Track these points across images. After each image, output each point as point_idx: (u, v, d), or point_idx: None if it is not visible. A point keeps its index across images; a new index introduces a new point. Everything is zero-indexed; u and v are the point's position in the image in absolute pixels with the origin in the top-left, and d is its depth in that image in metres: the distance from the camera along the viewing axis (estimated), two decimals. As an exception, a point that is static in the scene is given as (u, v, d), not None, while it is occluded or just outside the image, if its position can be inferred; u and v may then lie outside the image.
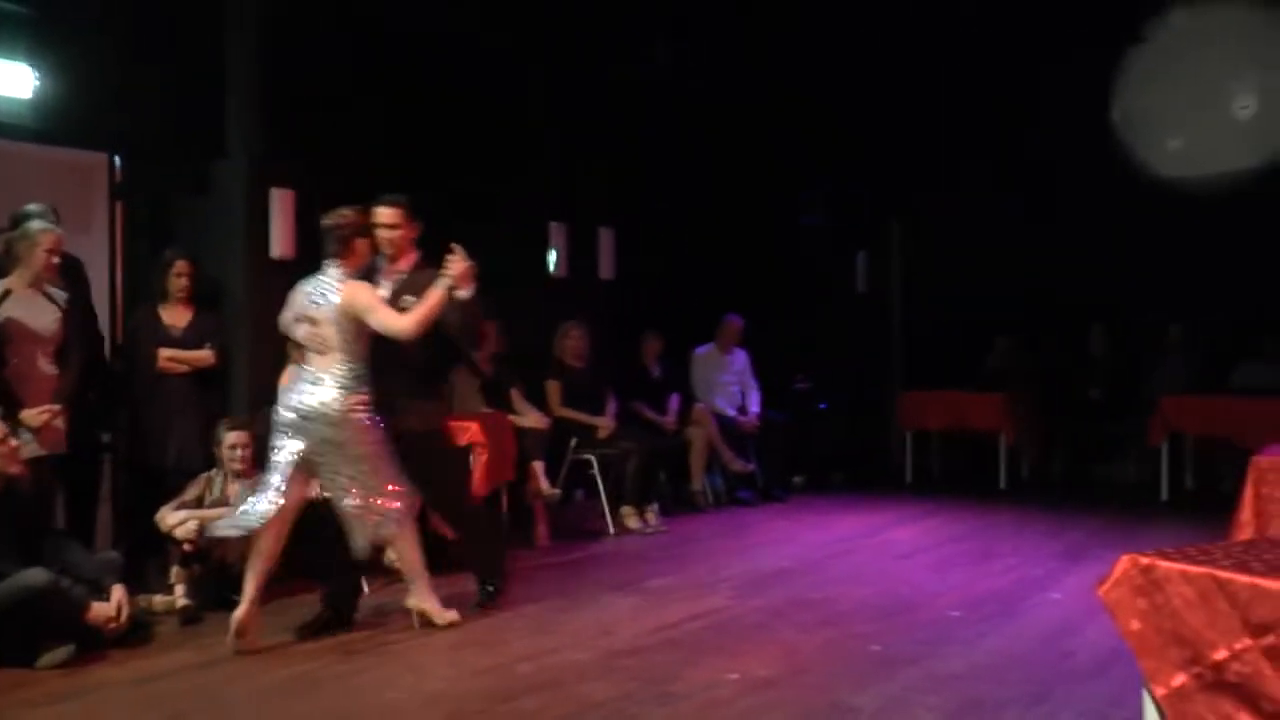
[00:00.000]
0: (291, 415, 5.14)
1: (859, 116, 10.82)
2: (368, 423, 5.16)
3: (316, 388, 5.12)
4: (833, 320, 11.19)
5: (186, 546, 5.71)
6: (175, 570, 5.73)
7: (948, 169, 10.95)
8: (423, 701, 4.32)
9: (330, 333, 5.15)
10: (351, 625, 5.39)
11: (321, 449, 5.13)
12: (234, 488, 6.03)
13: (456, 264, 5.27)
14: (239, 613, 5.01)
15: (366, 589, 6.11)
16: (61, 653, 4.77)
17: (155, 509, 5.91)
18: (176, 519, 5.79)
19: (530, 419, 7.67)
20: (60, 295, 5.68)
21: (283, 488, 5.12)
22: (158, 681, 4.54)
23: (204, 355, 6.54)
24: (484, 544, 5.90)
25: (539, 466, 7.50)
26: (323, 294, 5.20)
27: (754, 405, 9.53)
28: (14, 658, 4.66)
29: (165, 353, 6.43)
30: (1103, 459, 10.75)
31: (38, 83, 6.54)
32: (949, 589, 6.19)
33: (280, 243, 7.17)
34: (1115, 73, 10.02)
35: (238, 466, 6.06)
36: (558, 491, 7.72)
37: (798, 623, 5.45)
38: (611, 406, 8.42)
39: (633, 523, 8.06)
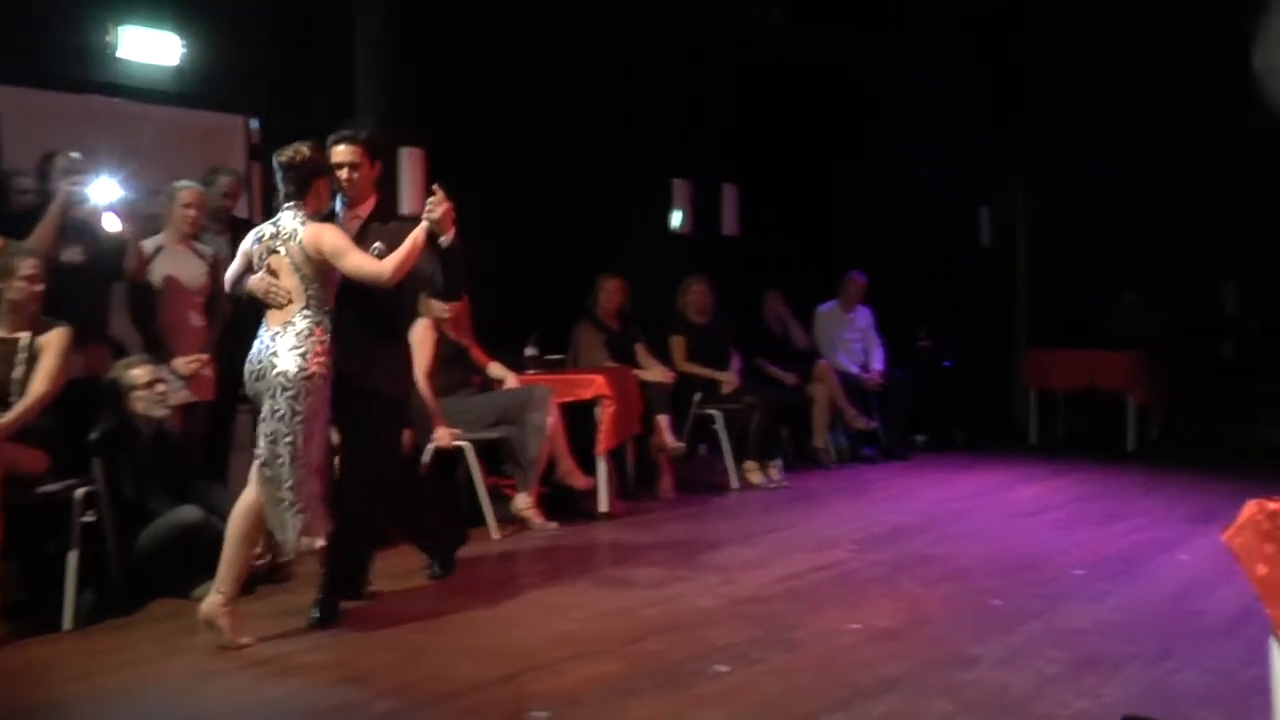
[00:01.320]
0: (248, 379, 4.63)
1: (982, 67, 10.64)
2: (322, 383, 4.56)
3: (274, 343, 4.55)
4: (956, 276, 11.06)
5: (319, 491, 5.94)
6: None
7: (1073, 118, 10.69)
8: (550, 640, 4.47)
9: (292, 283, 4.59)
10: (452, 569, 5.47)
11: (265, 409, 4.56)
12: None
13: (438, 206, 4.77)
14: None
15: (497, 535, 6.35)
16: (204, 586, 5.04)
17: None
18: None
19: (655, 373, 7.78)
20: (208, 250, 5.94)
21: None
22: (298, 615, 4.77)
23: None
24: (425, 523, 5.48)
25: (664, 420, 7.61)
26: (283, 241, 4.63)
27: (877, 362, 9.52)
28: (171, 589, 4.96)
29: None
30: (1236, 420, 10.47)
31: (183, 50, 6.81)
32: (1072, 548, 6.15)
33: (410, 201, 7.36)
34: (1257, 20, 9.68)
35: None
36: (682, 445, 7.84)
37: (919, 576, 5.49)
38: (735, 362, 8.49)
39: (755, 478, 8.15)
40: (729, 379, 8.31)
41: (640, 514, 7.09)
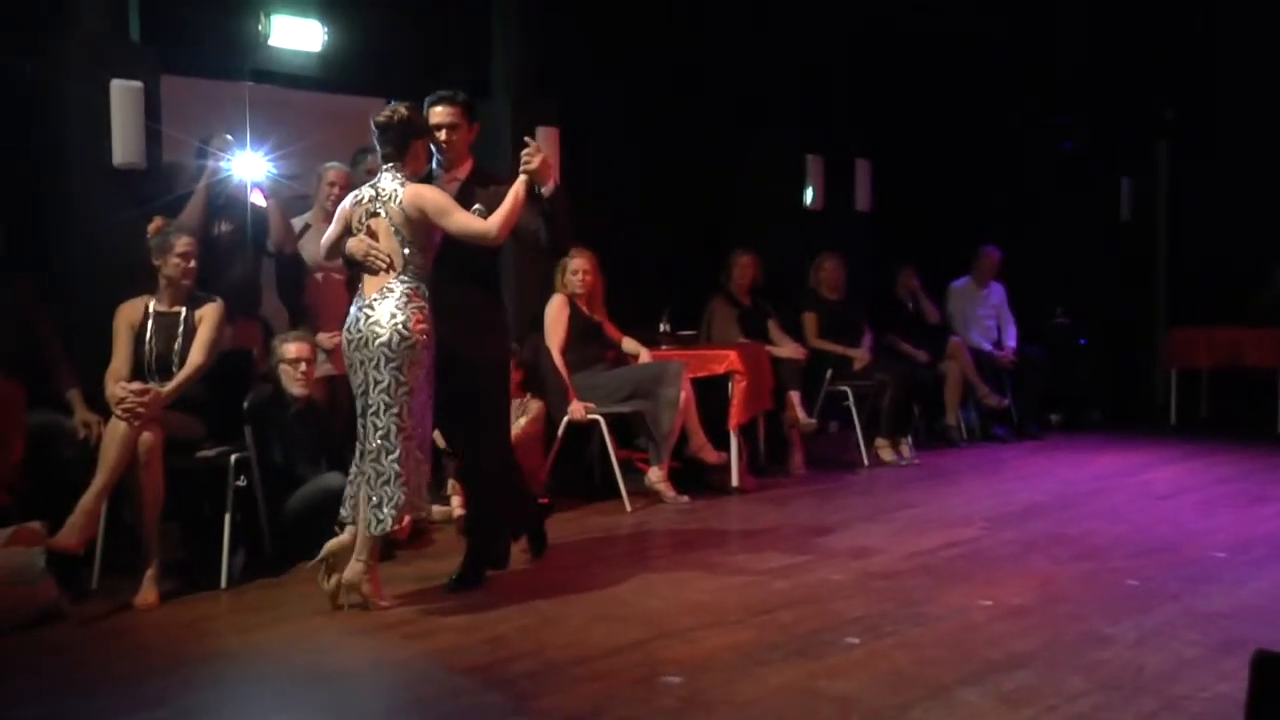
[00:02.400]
0: (346, 348, 4.58)
1: (1120, 34, 10.35)
2: (424, 352, 4.49)
3: (373, 310, 4.47)
4: (1095, 251, 10.81)
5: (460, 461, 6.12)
6: (451, 483, 6.15)
7: (1218, 86, 10.35)
8: (681, 609, 4.55)
9: (391, 245, 4.51)
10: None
11: (365, 380, 4.49)
12: (505, 409, 6.41)
13: (535, 156, 4.62)
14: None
15: (629, 508, 6.45)
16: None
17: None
18: (452, 435, 6.20)
19: (787, 349, 7.80)
20: (353, 228, 6.13)
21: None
22: (438, 579, 4.93)
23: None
24: (500, 518, 5.04)
25: (796, 396, 7.64)
26: (382, 202, 4.55)
27: (1010, 340, 9.38)
28: (317, 552, 5.15)
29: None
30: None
31: (326, 37, 7.02)
32: (1214, 530, 6.00)
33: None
34: None
35: (507, 390, 6.44)
36: (814, 422, 7.85)
37: (1052, 556, 5.42)
38: (867, 339, 8.45)
39: (887, 455, 8.12)
40: (861, 355, 8.28)
41: (771, 490, 7.14)
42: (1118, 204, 11.29)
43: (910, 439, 8.31)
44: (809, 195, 9.36)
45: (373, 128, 4.63)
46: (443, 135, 4.75)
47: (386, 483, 4.44)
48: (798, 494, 7.06)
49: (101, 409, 5.05)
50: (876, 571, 5.13)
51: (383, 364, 4.42)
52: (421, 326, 4.46)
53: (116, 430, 4.78)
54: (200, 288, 5.25)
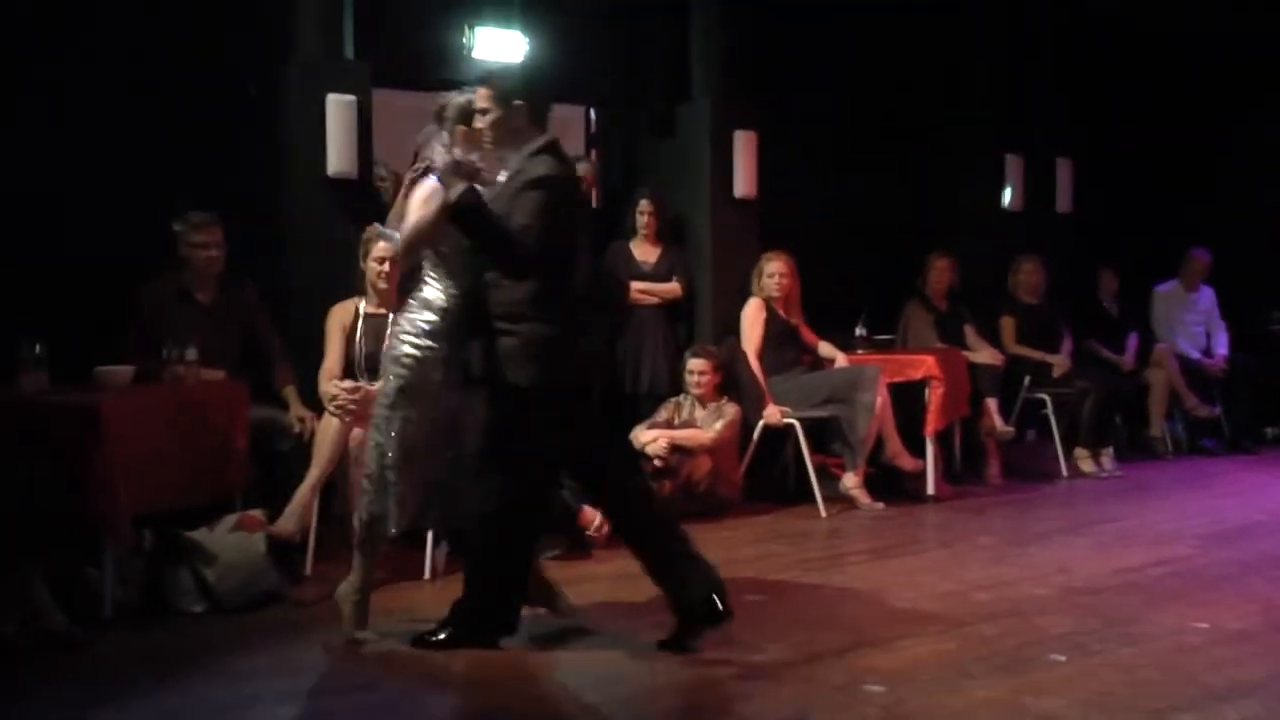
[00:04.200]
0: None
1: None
2: (426, 368, 4.08)
3: (401, 319, 4.18)
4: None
5: (657, 462, 6.19)
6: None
7: None
8: (882, 618, 4.50)
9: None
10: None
11: None
12: (699, 411, 6.47)
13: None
14: None
15: (824, 513, 6.41)
16: (557, 547, 5.37)
17: (629, 429, 6.44)
18: (649, 437, 6.29)
19: (985, 355, 7.62)
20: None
21: None
22: (635, 579, 4.95)
23: (672, 288, 7.03)
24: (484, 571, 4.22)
25: (993, 403, 7.45)
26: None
27: (1221, 346, 8.95)
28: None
29: (637, 285, 6.96)
30: None
31: (528, 47, 7.16)
32: None
33: (743, 183, 7.48)
34: None
35: (699, 391, 6.50)
36: (1011, 429, 7.64)
37: (1274, 579, 5.11)
38: (1067, 345, 8.19)
39: (1087, 465, 7.85)
40: (1060, 362, 8.02)
41: (967, 498, 6.98)
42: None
43: (1112, 450, 8.00)
44: (1008, 196, 9.10)
45: (434, 116, 4.30)
46: (476, 121, 4.14)
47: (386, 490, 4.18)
48: (995, 504, 6.89)
49: (315, 406, 5.28)
50: (1081, 587, 4.96)
51: (391, 372, 4.21)
52: (424, 342, 4.11)
53: (329, 426, 4.99)
54: (407, 291, 5.42)
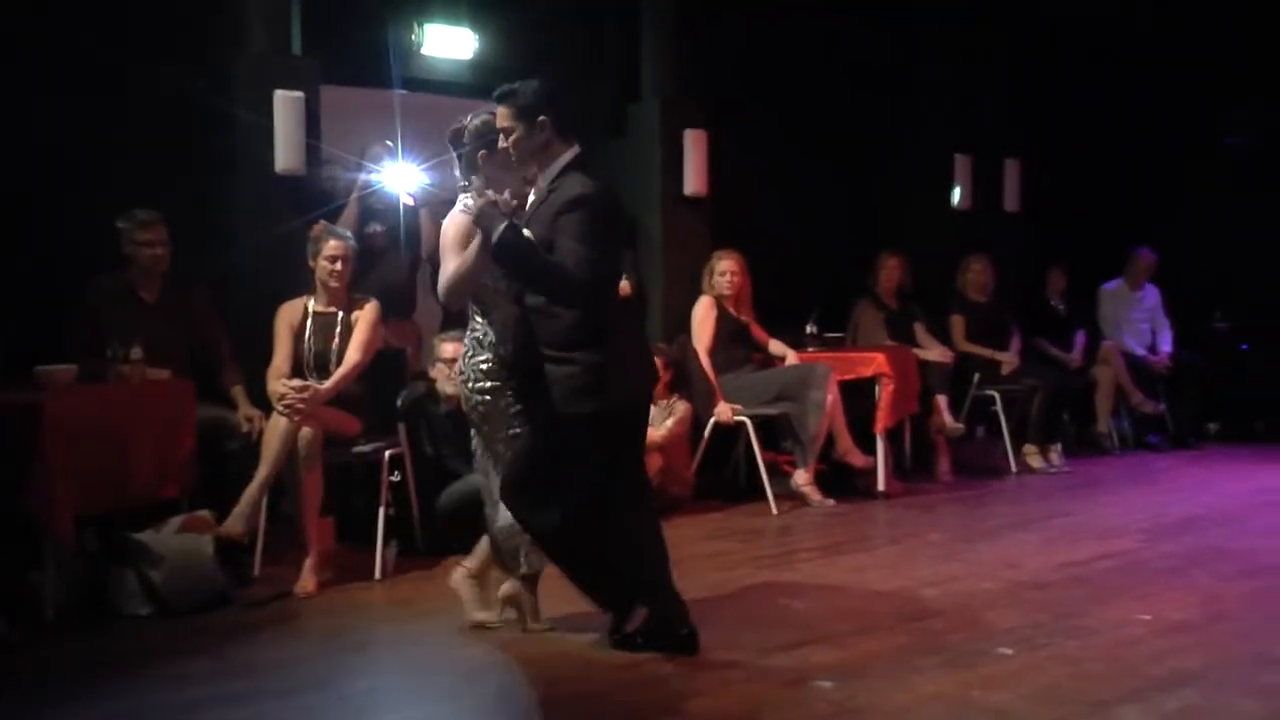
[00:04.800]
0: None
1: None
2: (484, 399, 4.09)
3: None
4: (1259, 251, 10.32)
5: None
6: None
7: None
8: (831, 614, 4.50)
9: None
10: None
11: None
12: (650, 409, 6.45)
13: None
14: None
15: (775, 510, 6.41)
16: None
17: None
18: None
19: (934, 353, 7.67)
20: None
21: None
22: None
23: (621, 286, 6.98)
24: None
25: (943, 401, 7.50)
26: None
27: (1165, 344, 9.06)
28: (467, 548, 5.21)
29: (586, 283, 6.93)
30: None
31: (476, 44, 7.12)
32: (1396, 548, 5.71)
33: (693, 181, 7.50)
34: None
35: (653, 391, 6.48)
36: (961, 426, 7.69)
37: (1215, 571, 5.19)
38: (1016, 343, 8.26)
39: (1035, 462, 7.92)
40: (1009, 359, 8.10)
41: (917, 494, 7.03)
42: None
43: (1060, 446, 8.08)
44: (957, 195, 9.19)
45: (448, 140, 4.23)
46: (501, 140, 4.04)
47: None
48: (944, 500, 6.93)
49: (263, 405, 5.22)
50: (1028, 581, 5.00)
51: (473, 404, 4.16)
52: (479, 381, 4.10)
53: (278, 425, 4.94)
54: (356, 290, 5.39)
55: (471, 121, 4.13)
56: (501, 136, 3.99)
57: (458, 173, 4.15)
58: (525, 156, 3.99)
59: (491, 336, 4.04)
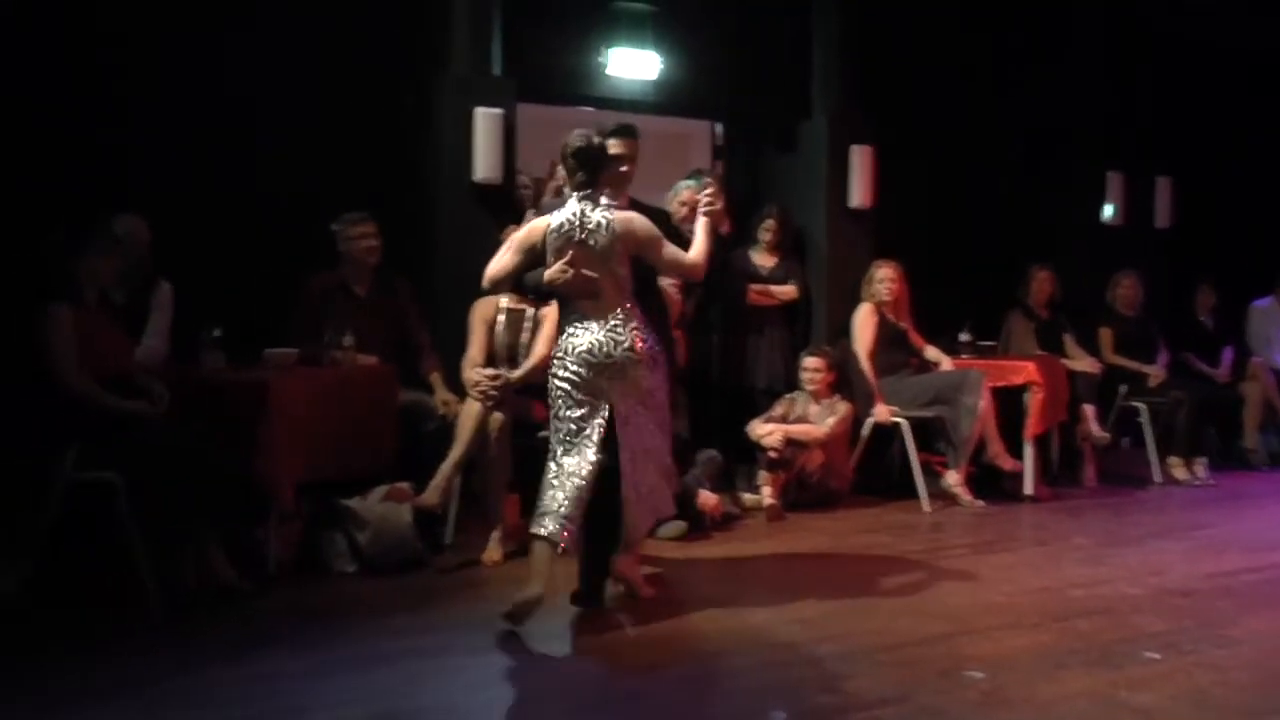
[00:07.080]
0: (585, 371, 4.15)
1: None
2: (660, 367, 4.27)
3: (617, 334, 4.15)
4: None
5: (773, 454, 6.15)
6: (762, 474, 6.18)
7: None
8: (981, 609, 4.41)
9: (603, 271, 4.15)
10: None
11: (629, 401, 4.18)
12: (813, 407, 6.42)
13: (717, 199, 4.43)
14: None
15: (927, 507, 6.31)
16: (675, 527, 5.38)
17: (745, 423, 6.42)
18: (765, 430, 6.25)
19: (1083, 363, 7.42)
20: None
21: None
22: (743, 562, 4.98)
23: (788, 290, 6.99)
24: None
25: (1090, 410, 7.24)
26: (588, 230, 4.16)
27: (1316, 362, 8.60)
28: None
29: (754, 287, 6.94)
30: None
31: (660, 66, 7.16)
32: None
33: (859, 194, 7.42)
34: None
35: (814, 388, 6.45)
36: (1107, 436, 7.42)
37: (1371, 588, 4.93)
38: (1163, 357, 7.94)
39: (1179, 473, 7.58)
40: (1156, 372, 7.77)
41: (1063, 500, 6.80)
42: None
43: (1204, 459, 7.71)
44: (1108, 211, 8.87)
45: (566, 154, 4.27)
46: (623, 167, 4.46)
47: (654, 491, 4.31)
48: (1090, 506, 6.70)
49: (459, 391, 5.36)
50: (1174, 589, 4.80)
51: (643, 381, 4.20)
52: (653, 345, 4.24)
53: (471, 409, 5.07)
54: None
55: (574, 141, 4.25)
56: (624, 163, 4.47)
57: (574, 183, 4.28)
58: (627, 183, 4.53)
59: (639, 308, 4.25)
